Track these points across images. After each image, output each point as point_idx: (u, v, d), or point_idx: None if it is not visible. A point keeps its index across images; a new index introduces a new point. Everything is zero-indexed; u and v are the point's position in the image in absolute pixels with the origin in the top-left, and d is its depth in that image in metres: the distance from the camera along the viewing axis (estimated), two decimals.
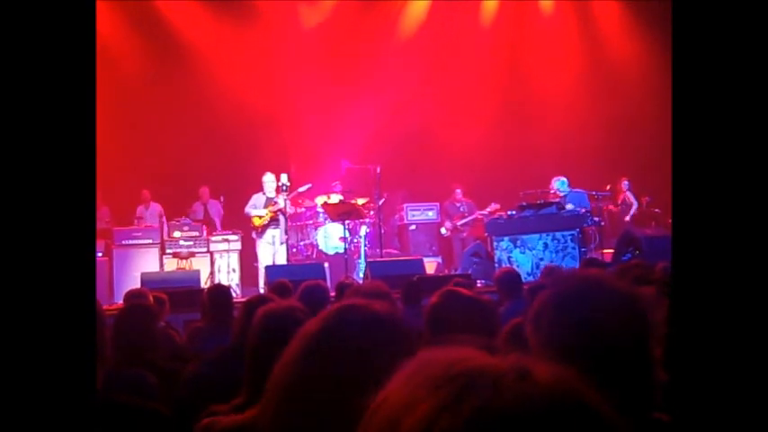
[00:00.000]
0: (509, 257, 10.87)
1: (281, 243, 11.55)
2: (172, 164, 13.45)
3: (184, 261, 11.95)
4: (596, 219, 11.23)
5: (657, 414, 1.55)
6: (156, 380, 3.44)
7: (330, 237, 12.22)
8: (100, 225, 12.04)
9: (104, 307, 3.50)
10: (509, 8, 15.55)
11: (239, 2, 14.32)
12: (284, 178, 11.38)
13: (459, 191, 13.57)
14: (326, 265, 11.00)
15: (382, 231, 12.01)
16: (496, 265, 10.67)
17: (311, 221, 12.50)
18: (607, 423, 0.78)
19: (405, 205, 13.70)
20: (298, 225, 12.45)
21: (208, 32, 14.30)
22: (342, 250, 11.79)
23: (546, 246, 10.73)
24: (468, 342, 0.88)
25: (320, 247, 12.28)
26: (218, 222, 13.18)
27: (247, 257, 12.26)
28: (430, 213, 13.67)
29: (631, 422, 1.42)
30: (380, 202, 12.03)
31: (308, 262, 11.91)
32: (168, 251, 12.06)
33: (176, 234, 12.22)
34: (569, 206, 11.40)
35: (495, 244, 11.11)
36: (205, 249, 12.14)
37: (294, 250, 12.04)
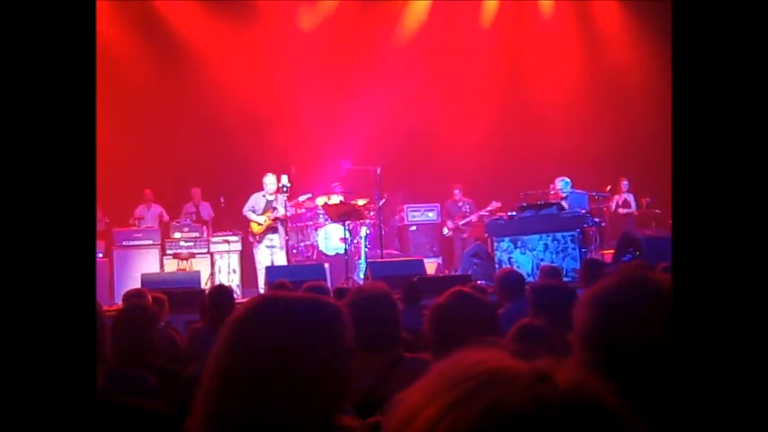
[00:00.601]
0: (509, 258, 10.86)
1: (281, 248, 11.56)
2: (171, 164, 13.45)
3: (185, 262, 11.96)
4: (597, 219, 11.23)
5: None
6: (156, 380, 3.44)
7: (330, 237, 12.23)
8: (99, 226, 12.03)
9: (104, 308, 3.50)
10: (509, 9, 15.54)
11: (240, 2, 14.32)
12: (284, 179, 11.39)
13: (458, 191, 13.57)
14: (327, 265, 11.01)
15: (383, 232, 12.01)
16: (497, 265, 10.67)
17: (311, 222, 12.50)
18: (628, 429, 0.77)
19: (405, 206, 13.70)
20: (298, 226, 12.46)
21: (208, 33, 14.30)
22: (342, 251, 11.79)
23: (546, 246, 10.72)
24: (498, 345, 0.86)
25: (320, 248, 12.29)
26: (208, 224, 13.17)
27: (248, 258, 12.26)
28: (430, 214, 13.67)
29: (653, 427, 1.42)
30: (381, 203, 12.03)
31: (308, 263, 11.91)
32: (168, 252, 12.06)
33: (176, 235, 12.22)
34: (564, 203, 11.41)
35: (495, 245, 11.11)
36: (205, 250, 12.14)
37: (294, 251, 12.05)
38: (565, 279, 9.25)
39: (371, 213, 12.20)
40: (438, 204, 13.70)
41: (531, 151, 14.58)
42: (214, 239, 12.27)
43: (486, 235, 11.64)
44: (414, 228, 13.58)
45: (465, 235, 13.35)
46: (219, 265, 12.07)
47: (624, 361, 1.56)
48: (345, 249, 11.70)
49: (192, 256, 12.03)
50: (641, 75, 14.61)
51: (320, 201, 12.54)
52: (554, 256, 10.57)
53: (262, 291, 10.42)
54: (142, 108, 13.58)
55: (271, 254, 11.65)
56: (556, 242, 10.68)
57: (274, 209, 11.55)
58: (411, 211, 13.64)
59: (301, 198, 11.61)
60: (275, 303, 1.73)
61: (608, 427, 0.75)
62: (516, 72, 15.32)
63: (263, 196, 11.75)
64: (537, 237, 10.81)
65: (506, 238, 11.02)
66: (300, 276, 8.49)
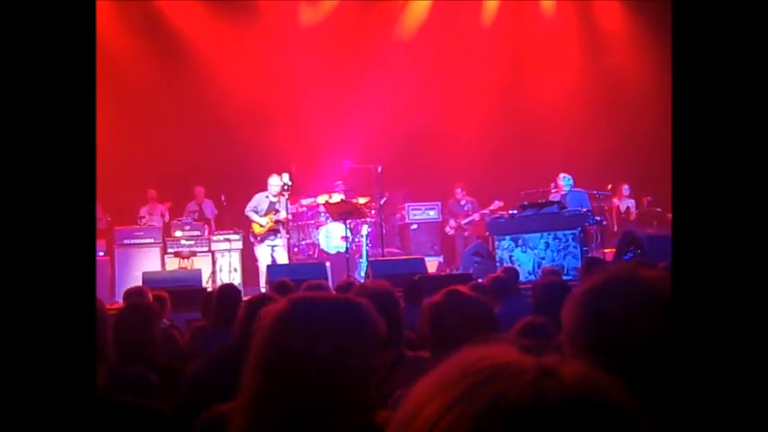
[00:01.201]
0: (510, 257, 10.86)
1: (283, 247, 11.56)
2: (172, 163, 13.45)
3: (186, 260, 11.96)
4: (598, 218, 11.23)
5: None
6: (157, 379, 3.45)
7: (332, 236, 12.23)
8: (99, 224, 12.04)
9: (105, 306, 3.50)
10: (510, 8, 15.53)
11: (242, 2, 14.32)
12: (285, 178, 11.39)
13: (459, 189, 13.57)
14: (328, 264, 11.00)
15: (384, 231, 12.01)
16: (498, 264, 10.66)
17: (313, 221, 12.51)
18: (632, 425, 0.77)
19: (406, 204, 13.70)
20: (299, 224, 12.46)
21: (210, 32, 14.29)
22: (343, 249, 11.79)
23: (547, 245, 10.72)
24: (509, 342, 0.86)
25: (322, 247, 12.29)
26: (212, 222, 13.18)
27: (249, 257, 12.26)
28: (431, 212, 13.67)
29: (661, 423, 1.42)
30: (382, 202, 12.03)
31: (309, 261, 11.91)
32: (170, 250, 12.06)
33: (178, 233, 12.22)
34: (564, 200, 11.41)
35: (496, 243, 11.10)
36: (206, 249, 12.14)
37: (295, 249, 12.05)
38: (566, 278, 9.24)
39: (372, 212, 12.20)
40: (439, 203, 13.70)
41: (532, 150, 14.57)
42: (215, 238, 12.27)
43: (488, 233, 11.64)
44: (415, 226, 13.57)
45: (466, 233, 13.34)
46: (220, 264, 12.07)
47: (614, 359, 1.56)
48: (346, 248, 11.70)
49: (194, 254, 12.04)
50: (642, 74, 14.58)
51: (321, 199, 12.54)
52: (555, 254, 10.56)
53: (263, 289, 10.42)
54: (143, 107, 13.58)
55: (272, 252, 11.66)
56: (557, 241, 10.68)
57: (277, 211, 11.56)
58: (412, 209, 13.63)
59: (304, 202, 11.62)
60: (310, 304, 1.80)
61: (610, 424, 0.75)
62: (517, 71, 15.31)
63: (267, 197, 11.74)
64: (538, 235, 10.81)
65: (507, 237, 11.02)
66: (301, 275, 8.48)
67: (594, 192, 12.29)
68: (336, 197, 12.42)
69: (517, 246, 10.91)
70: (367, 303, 1.85)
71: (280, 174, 11.61)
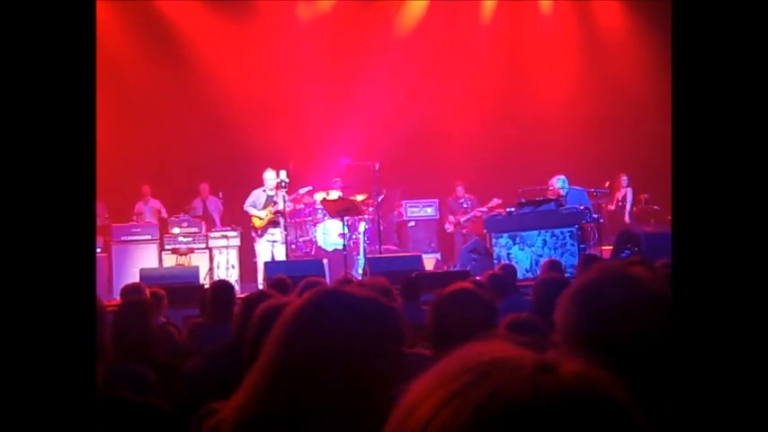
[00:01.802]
0: (508, 254, 10.87)
1: (282, 243, 11.56)
2: (170, 160, 13.46)
3: (183, 257, 11.96)
4: (595, 216, 11.23)
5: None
6: (155, 376, 3.45)
7: (329, 233, 12.23)
8: (97, 221, 12.03)
9: (104, 302, 3.50)
10: (509, 6, 15.53)
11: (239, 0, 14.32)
12: (283, 175, 11.39)
13: (460, 187, 13.56)
14: (325, 261, 11.00)
15: (381, 228, 12.02)
16: (495, 261, 10.67)
17: (310, 218, 12.51)
18: (630, 422, 0.77)
19: (403, 202, 13.70)
20: (297, 222, 12.46)
21: (207, 29, 14.28)
22: (341, 246, 11.79)
23: (545, 242, 10.72)
24: (511, 338, 0.86)
25: (319, 244, 12.29)
26: (217, 219, 13.19)
27: (246, 254, 12.26)
28: (429, 210, 13.67)
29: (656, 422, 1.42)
30: (379, 199, 12.03)
31: (307, 258, 11.91)
32: (167, 247, 12.06)
33: (175, 230, 12.22)
34: (564, 201, 11.42)
35: (494, 241, 11.11)
36: (204, 245, 12.14)
37: (293, 247, 12.05)
38: None
39: (370, 209, 12.20)
40: (436, 200, 13.70)
41: (530, 148, 14.58)
42: (212, 235, 12.27)
43: (485, 231, 11.64)
44: (412, 223, 13.58)
45: (465, 231, 13.35)
46: (218, 261, 12.07)
47: (607, 356, 1.56)
48: (344, 245, 11.70)
49: (191, 251, 12.03)
50: (641, 72, 14.59)
51: (319, 196, 12.54)
52: (552, 252, 10.56)
53: (260, 286, 10.42)
54: (141, 104, 13.57)
55: (272, 248, 11.65)
56: (554, 238, 10.69)
57: (275, 203, 11.55)
58: (409, 206, 13.64)
59: (302, 190, 11.58)
60: (335, 300, 1.71)
61: (607, 420, 0.75)
62: (516, 69, 15.31)
63: (264, 191, 11.75)
64: (536, 233, 10.81)
65: (505, 234, 11.02)
66: (299, 272, 8.49)
67: (593, 190, 12.30)
68: (334, 194, 12.42)
69: (515, 243, 10.91)
70: (393, 305, 1.75)
71: (275, 169, 11.61)
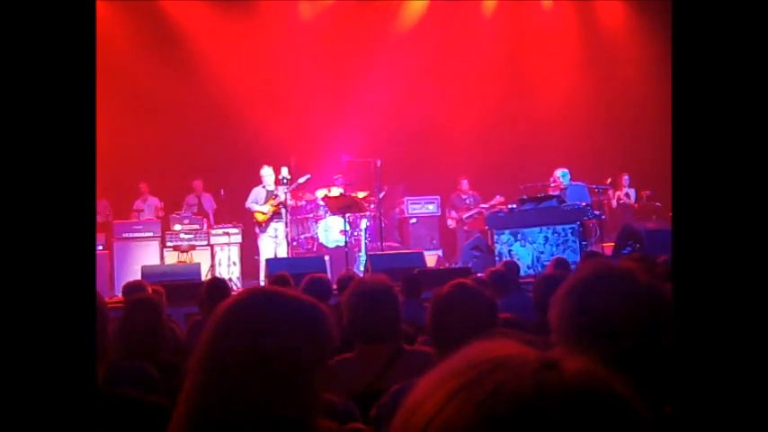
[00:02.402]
0: (510, 251, 10.87)
1: (285, 237, 11.56)
2: (171, 157, 13.45)
3: (185, 254, 11.96)
4: (597, 212, 11.23)
5: (668, 408, 1.56)
6: (157, 373, 3.45)
7: (331, 230, 12.23)
8: (99, 218, 12.04)
9: (105, 300, 3.50)
10: (510, 2, 15.52)
11: None
12: (284, 171, 11.39)
13: (465, 182, 13.53)
14: (327, 258, 11.02)
15: (383, 225, 12.01)
16: (497, 258, 10.67)
17: (312, 215, 12.51)
18: (633, 419, 0.77)
19: (405, 198, 13.69)
20: (298, 218, 12.46)
21: (207, 26, 14.28)
22: (342, 243, 11.80)
23: (546, 239, 10.72)
24: (515, 336, 0.87)
25: (321, 241, 12.29)
26: (210, 215, 13.18)
27: (248, 250, 12.27)
28: (430, 206, 13.66)
29: (656, 418, 1.42)
30: (381, 196, 12.03)
31: (308, 255, 11.92)
32: (169, 244, 12.06)
33: (177, 227, 12.22)
34: (563, 194, 11.41)
35: (495, 237, 11.11)
36: (205, 242, 12.14)
37: (295, 243, 12.05)
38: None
39: (371, 206, 12.20)
40: (438, 197, 13.69)
41: (531, 144, 14.58)
42: (214, 232, 12.27)
43: (487, 227, 11.64)
44: (414, 220, 13.58)
45: (466, 227, 13.34)
46: (220, 258, 12.08)
47: (602, 353, 1.56)
48: (346, 242, 11.70)
49: (193, 248, 12.04)
50: (642, 68, 14.59)
51: (320, 193, 12.54)
52: (554, 248, 10.57)
53: (262, 283, 10.43)
54: (141, 101, 13.57)
55: (275, 245, 11.66)
56: (556, 235, 10.68)
57: (276, 196, 11.55)
58: (411, 203, 13.63)
59: (300, 180, 11.56)
60: (262, 299, 1.71)
61: (610, 417, 0.75)
62: (517, 65, 15.31)
63: (263, 188, 11.76)
64: (537, 229, 10.81)
65: (506, 231, 11.02)
66: (301, 269, 8.49)
67: (594, 186, 12.29)
68: (335, 191, 12.42)
69: (516, 240, 10.91)
70: (326, 309, 1.74)
71: (272, 166, 11.61)
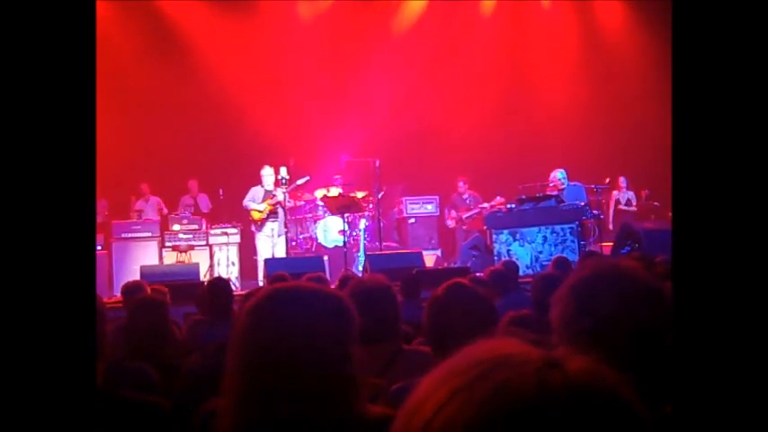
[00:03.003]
0: (508, 250, 10.87)
1: (280, 235, 11.56)
2: (170, 157, 13.44)
3: (183, 254, 11.96)
4: (596, 212, 11.23)
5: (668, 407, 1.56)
6: (157, 373, 3.45)
7: (329, 230, 12.23)
8: (98, 218, 12.03)
9: (104, 300, 3.50)
10: (509, 1, 15.52)
11: None
12: (283, 171, 11.39)
13: (461, 182, 13.52)
14: (326, 258, 11.01)
15: (381, 225, 12.01)
16: (495, 258, 10.67)
17: (310, 215, 12.50)
18: (635, 419, 0.77)
19: (404, 198, 13.69)
20: (297, 218, 12.46)
21: (207, 26, 14.27)
22: (341, 243, 11.79)
23: (545, 239, 10.72)
24: (518, 335, 0.86)
25: (319, 241, 12.29)
26: (206, 216, 13.16)
27: (246, 250, 12.26)
28: (429, 206, 13.66)
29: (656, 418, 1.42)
30: (380, 196, 12.03)
31: (307, 255, 11.91)
32: (167, 244, 12.06)
33: (175, 227, 12.22)
34: (562, 195, 11.42)
35: (494, 237, 11.11)
36: (204, 242, 12.14)
37: (293, 243, 12.05)
38: None
39: (370, 206, 12.20)
40: (437, 197, 13.69)
41: (530, 145, 14.58)
42: (213, 231, 12.27)
43: (485, 227, 11.64)
44: (412, 220, 13.57)
45: (465, 227, 13.34)
46: (218, 258, 12.07)
47: (601, 352, 1.56)
48: (344, 242, 11.70)
49: (191, 248, 12.03)
50: (641, 68, 14.60)
51: (319, 193, 12.54)
52: (553, 248, 10.57)
53: (261, 283, 10.42)
54: (140, 100, 13.56)
55: (272, 245, 11.65)
56: (555, 235, 10.69)
57: (274, 196, 11.55)
58: (410, 203, 13.63)
59: (299, 181, 11.56)
60: (286, 294, 1.73)
61: (612, 417, 0.75)
62: (516, 64, 15.31)
63: (262, 188, 11.76)
64: (536, 229, 10.81)
65: (505, 231, 11.02)
66: (299, 269, 8.49)
67: (592, 186, 12.29)
68: (334, 191, 12.42)
69: (515, 240, 10.91)
70: (346, 297, 1.79)
71: (272, 165, 11.61)
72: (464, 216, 13.32)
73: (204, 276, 10.93)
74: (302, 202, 12.50)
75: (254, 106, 13.81)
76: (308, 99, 14.23)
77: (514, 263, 8.69)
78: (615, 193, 13.73)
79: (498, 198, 12.75)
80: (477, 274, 8.51)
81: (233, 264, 12.06)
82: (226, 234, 12.17)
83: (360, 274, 9.82)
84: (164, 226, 12.34)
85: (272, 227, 11.67)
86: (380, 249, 11.60)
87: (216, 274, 11.20)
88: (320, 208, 12.37)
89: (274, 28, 14.45)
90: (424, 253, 11.47)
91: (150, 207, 12.97)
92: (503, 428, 0.72)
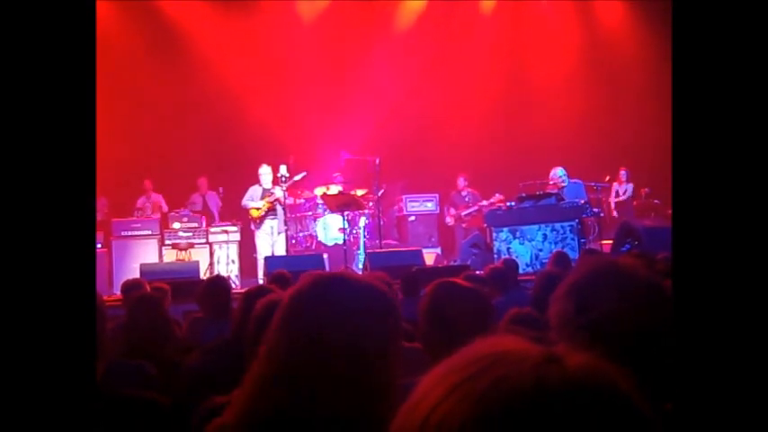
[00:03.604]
0: (508, 248, 10.87)
1: (279, 233, 11.56)
2: (171, 155, 13.45)
3: (183, 252, 11.96)
4: (596, 210, 11.23)
5: (668, 405, 1.56)
6: (156, 371, 3.45)
7: (329, 228, 12.23)
8: (98, 216, 12.03)
9: (104, 298, 3.50)
10: (509, 0, 15.53)
11: None
12: (283, 169, 11.38)
13: (461, 179, 13.51)
14: (326, 256, 11.00)
15: (381, 222, 12.01)
16: (495, 256, 10.67)
17: (310, 213, 12.50)
18: (636, 415, 0.76)
19: (404, 196, 13.68)
20: (297, 216, 12.45)
21: (207, 24, 14.27)
22: (341, 241, 11.79)
23: (545, 237, 10.73)
24: (518, 333, 0.86)
25: (319, 239, 12.28)
26: (216, 213, 13.19)
27: (246, 248, 12.26)
28: (429, 204, 13.66)
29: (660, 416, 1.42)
30: (379, 194, 12.02)
31: (307, 253, 11.91)
32: (167, 242, 12.06)
33: (175, 225, 12.22)
34: (562, 192, 11.42)
35: (494, 235, 11.11)
36: (204, 240, 12.14)
37: (293, 241, 12.05)
38: None
39: (370, 204, 12.20)
40: (437, 194, 13.69)
41: (530, 141, 14.57)
42: (213, 230, 12.27)
43: (485, 225, 11.64)
44: (412, 218, 13.57)
45: (465, 225, 13.34)
46: (218, 256, 12.07)
47: (601, 350, 1.56)
48: (344, 239, 11.70)
49: (191, 246, 12.03)
50: (641, 65, 14.59)
51: (319, 191, 12.53)
52: (553, 246, 10.56)
53: (261, 281, 10.42)
54: (141, 98, 13.55)
55: (272, 243, 11.66)
56: (555, 232, 10.69)
57: (272, 193, 11.56)
58: (410, 201, 13.62)
59: (297, 177, 11.54)
60: (332, 284, 1.66)
61: (611, 412, 0.75)
62: (515, 61, 15.30)
63: (260, 186, 11.76)
64: (536, 227, 10.81)
65: (505, 229, 11.02)
66: (299, 267, 8.49)
67: (592, 183, 12.29)
68: (334, 189, 12.41)
69: (515, 237, 10.91)
70: (396, 298, 1.73)
71: (272, 164, 11.60)
72: (463, 214, 13.32)
73: (204, 274, 10.93)
74: (302, 200, 12.50)
75: (254, 105, 13.80)
76: (309, 97, 14.22)
77: (514, 261, 8.69)
78: (615, 185, 13.72)
79: (497, 195, 12.74)
80: (477, 272, 8.52)
81: (233, 262, 12.06)
82: (225, 232, 12.18)
83: (360, 272, 9.82)
84: (164, 224, 12.34)
85: (272, 224, 11.67)
86: (380, 247, 11.60)
87: (216, 272, 11.21)
88: (320, 206, 12.37)
89: (274, 27, 14.45)
90: (424, 251, 11.47)
91: (150, 204, 12.97)
92: (500, 423, 0.72)
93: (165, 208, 12.88)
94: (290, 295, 1.68)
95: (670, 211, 10.13)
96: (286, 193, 11.49)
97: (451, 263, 11.89)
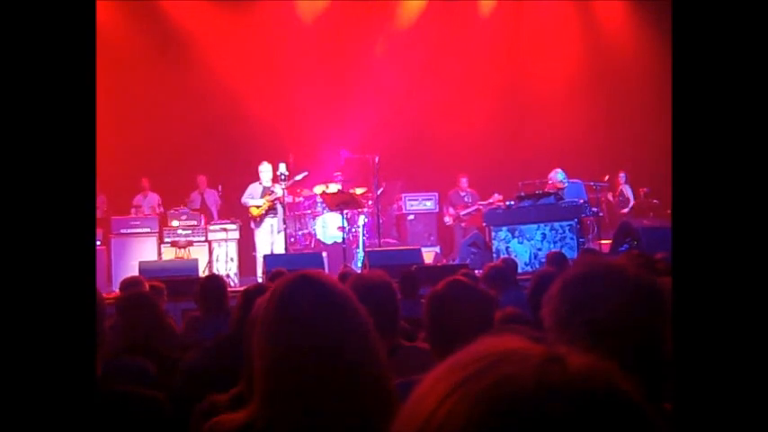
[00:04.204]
0: (507, 248, 10.87)
1: (279, 231, 11.56)
2: (170, 153, 13.44)
3: (182, 250, 11.95)
4: (594, 209, 11.23)
5: (666, 404, 1.56)
6: (155, 368, 3.45)
7: (328, 226, 12.23)
8: (97, 214, 12.02)
9: (103, 295, 3.50)
10: (508, 0, 15.52)
11: None
12: (282, 168, 11.37)
13: (464, 180, 13.52)
14: (325, 254, 11.00)
15: (380, 221, 12.01)
16: (494, 255, 10.67)
17: (309, 211, 12.50)
18: (637, 415, 0.76)
19: (403, 195, 13.69)
20: (296, 214, 12.46)
21: (207, 22, 14.27)
22: (340, 240, 11.79)
23: (544, 236, 10.73)
24: (521, 333, 0.87)
25: (318, 237, 12.29)
26: (214, 211, 13.19)
27: (245, 246, 12.27)
28: (428, 203, 13.66)
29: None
30: (379, 192, 12.03)
31: (306, 251, 11.92)
32: (166, 240, 12.06)
33: (174, 223, 12.21)
34: (562, 193, 11.42)
35: (493, 234, 11.11)
36: (203, 238, 12.14)
37: (292, 240, 12.05)
38: None
39: (369, 202, 12.20)
40: (436, 193, 13.69)
41: (529, 141, 14.58)
42: (212, 228, 12.27)
43: (484, 224, 11.64)
44: (411, 217, 13.57)
45: (464, 224, 13.34)
46: (217, 254, 12.07)
47: (596, 350, 1.56)
48: (343, 238, 11.70)
49: (190, 244, 12.03)
50: (640, 63, 14.60)
51: (318, 189, 12.53)
52: (552, 245, 10.56)
53: (260, 279, 10.42)
54: (140, 96, 13.55)
55: (271, 241, 11.66)
56: (554, 232, 10.69)
57: (272, 192, 11.56)
58: (409, 200, 13.63)
59: (298, 177, 11.55)
60: (317, 281, 1.71)
61: (612, 413, 0.75)
62: (515, 62, 15.30)
63: (260, 184, 11.76)
64: (535, 226, 10.82)
65: (504, 228, 11.02)
66: (298, 265, 8.48)
67: (591, 183, 12.29)
68: (333, 187, 12.41)
69: (514, 237, 10.92)
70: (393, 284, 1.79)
71: (273, 162, 11.60)
72: (462, 213, 13.32)
73: (203, 272, 10.93)
74: (301, 199, 12.50)
75: (254, 103, 13.80)
76: (308, 96, 14.22)
77: (513, 260, 8.69)
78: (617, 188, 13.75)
79: (496, 195, 12.75)
80: (475, 272, 8.52)
81: (232, 260, 12.06)
82: (225, 230, 12.18)
83: (359, 271, 9.82)
84: (163, 222, 12.34)
85: (271, 223, 11.68)
86: (379, 246, 11.61)
87: (215, 270, 11.21)
88: (319, 204, 12.37)
89: (274, 26, 14.44)
90: (423, 250, 11.46)
91: (148, 203, 12.97)
92: (501, 421, 0.72)
93: (160, 209, 12.85)
94: (261, 309, 1.70)
95: (669, 211, 10.15)
96: (285, 192, 11.49)
97: (450, 262, 11.90)
